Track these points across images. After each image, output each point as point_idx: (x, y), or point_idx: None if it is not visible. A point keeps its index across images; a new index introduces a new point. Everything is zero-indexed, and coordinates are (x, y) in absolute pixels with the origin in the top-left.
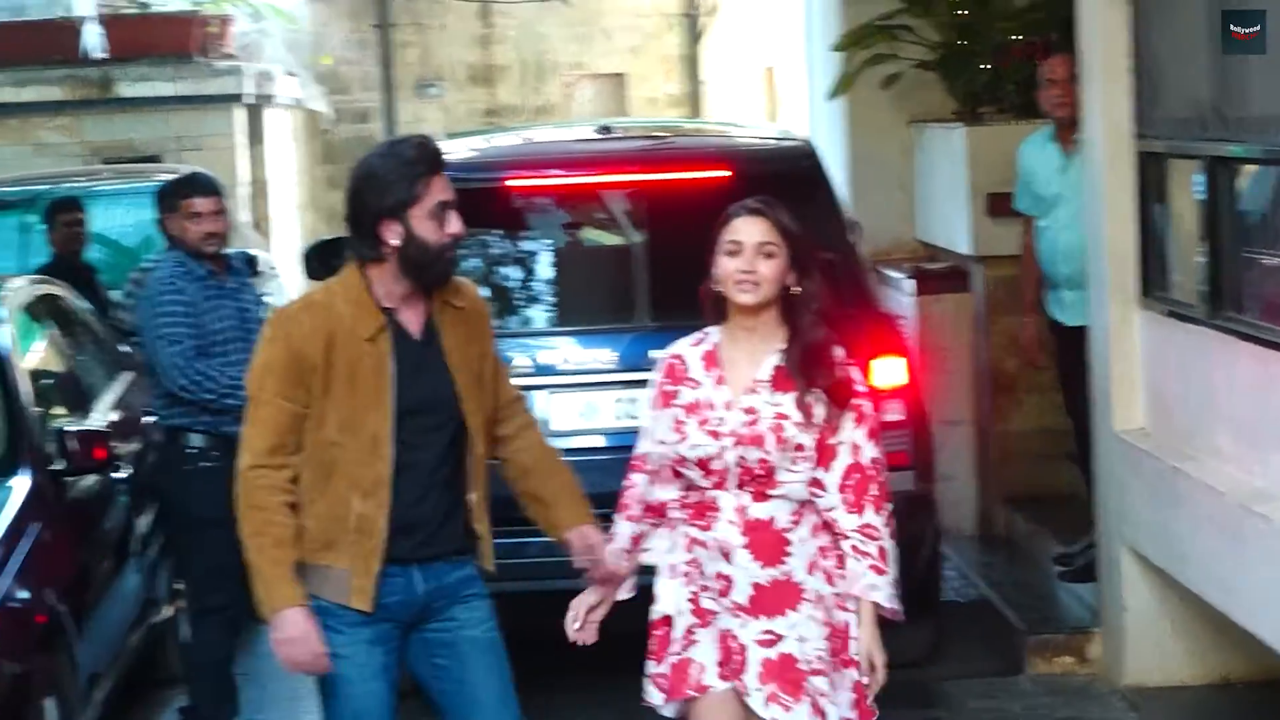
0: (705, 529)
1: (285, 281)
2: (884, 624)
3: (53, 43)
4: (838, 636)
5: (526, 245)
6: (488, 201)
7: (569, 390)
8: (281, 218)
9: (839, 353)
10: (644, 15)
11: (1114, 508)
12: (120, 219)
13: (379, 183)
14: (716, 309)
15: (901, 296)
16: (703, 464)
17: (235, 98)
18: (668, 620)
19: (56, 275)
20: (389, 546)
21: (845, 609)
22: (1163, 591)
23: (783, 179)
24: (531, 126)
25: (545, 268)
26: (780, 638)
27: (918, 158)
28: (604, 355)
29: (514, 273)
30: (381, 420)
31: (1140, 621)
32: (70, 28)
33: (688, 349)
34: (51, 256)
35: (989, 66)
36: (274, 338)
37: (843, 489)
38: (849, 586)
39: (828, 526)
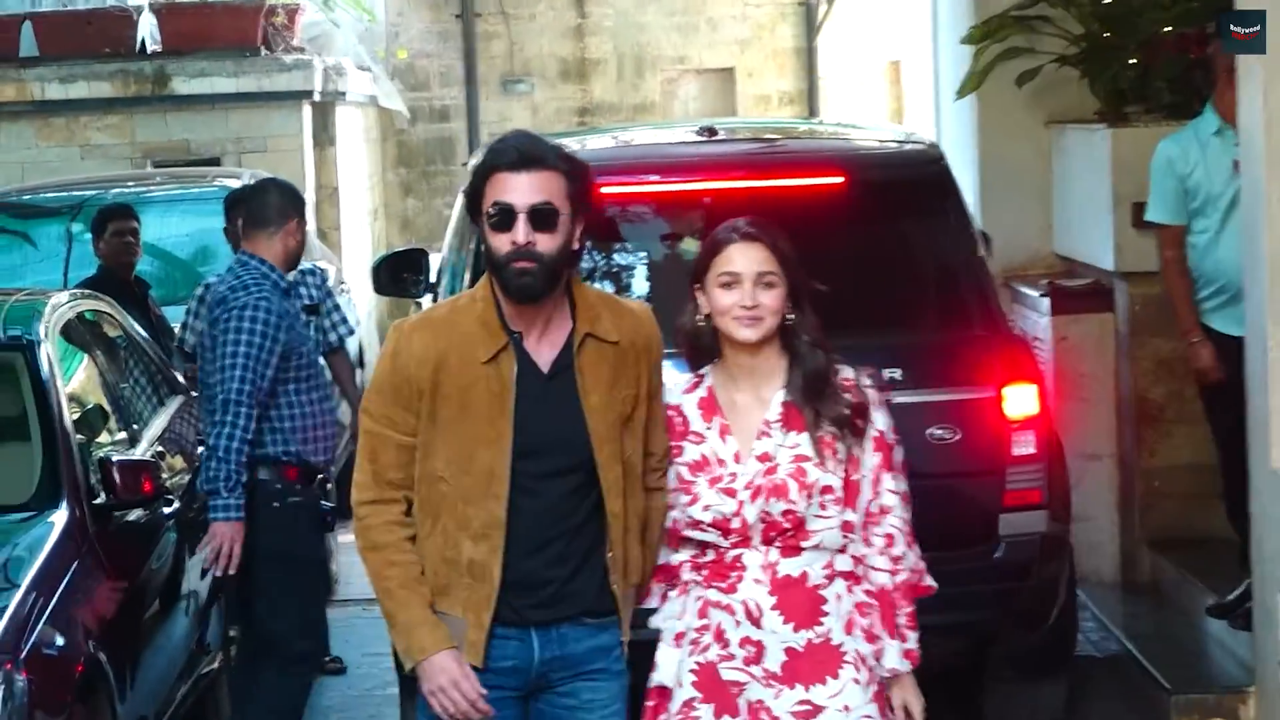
0: (728, 591)
1: (355, 297)
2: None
3: (103, 35)
4: (884, 699)
5: (620, 258)
6: None
7: None
8: (352, 226)
9: (848, 375)
10: (755, 4)
11: (1270, 552)
12: (174, 228)
13: (469, 180)
14: (703, 348)
15: (1036, 316)
16: (719, 524)
17: (303, 95)
18: (663, 692)
19: (104, 290)
20: (503, 603)
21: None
22: None
23: (905, 186)
24: (628, 127)
25: (640, 281)
26: (820, 709)
27: (1055, 163)
28: None
29: (606, 287)
30: (498, 455)
31: None
32: (123, 18)
33: (682, 397)
34: (98, 269)
35: (1136, 61)
36: (385, 354)
37: (868, 530)
38: (884, 660)
39: (860, 578)
